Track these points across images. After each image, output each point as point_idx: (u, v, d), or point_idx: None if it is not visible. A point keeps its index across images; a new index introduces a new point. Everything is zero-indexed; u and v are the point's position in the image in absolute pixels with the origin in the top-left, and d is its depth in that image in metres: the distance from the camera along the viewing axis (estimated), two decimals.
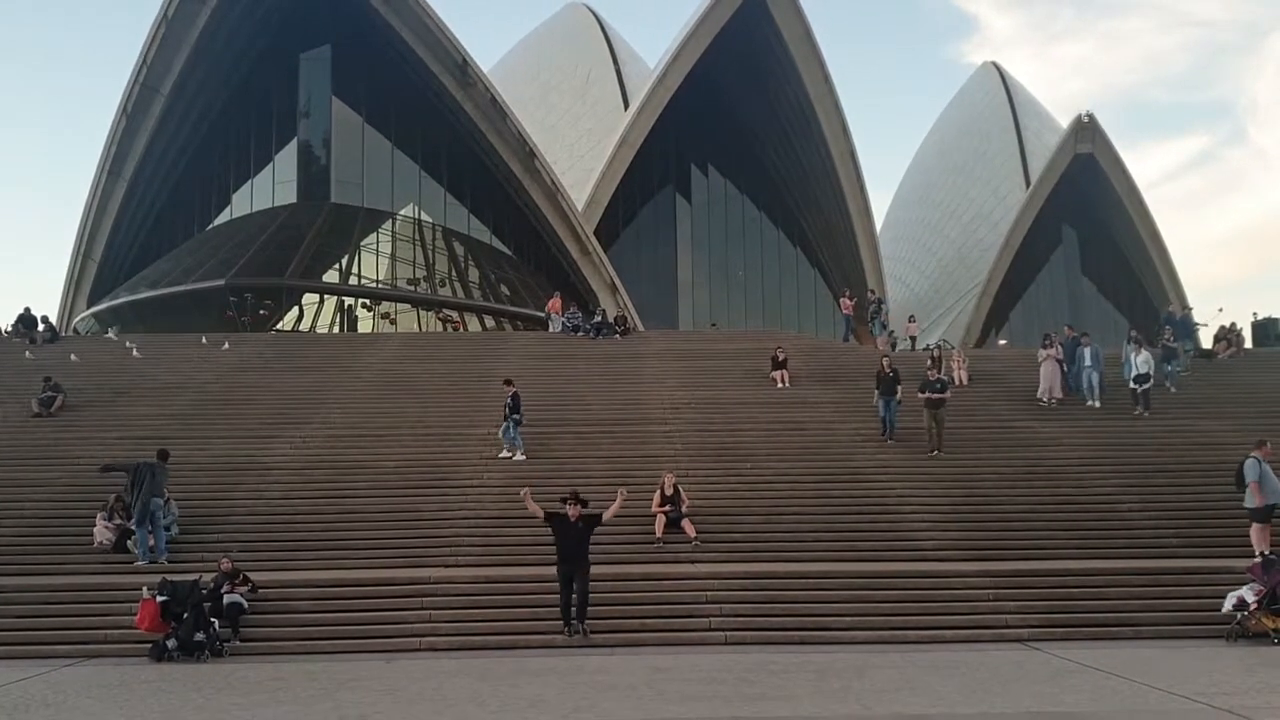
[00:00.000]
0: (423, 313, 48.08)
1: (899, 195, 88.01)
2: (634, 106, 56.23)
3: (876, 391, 21.22)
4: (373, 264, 49.55)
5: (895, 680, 10.37)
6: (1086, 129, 58.91)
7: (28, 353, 28.93)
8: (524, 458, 19.80)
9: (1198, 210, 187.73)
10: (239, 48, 48.11)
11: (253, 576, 13.76)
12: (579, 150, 62.28)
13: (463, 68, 47.02)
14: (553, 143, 59.32)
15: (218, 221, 52.26)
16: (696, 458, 19.92)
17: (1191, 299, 50.76)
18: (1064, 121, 66.36)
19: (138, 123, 46.71)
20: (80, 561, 16.02)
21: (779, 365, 25.18)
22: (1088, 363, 23.00)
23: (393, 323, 46.39)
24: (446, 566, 15.38)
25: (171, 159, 49.77)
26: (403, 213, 51.71)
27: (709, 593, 13.93)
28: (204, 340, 30.27)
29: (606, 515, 13.36)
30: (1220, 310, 33.64)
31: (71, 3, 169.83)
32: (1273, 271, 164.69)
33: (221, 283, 43.52)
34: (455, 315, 47.95)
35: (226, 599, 13.11)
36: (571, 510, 12.99)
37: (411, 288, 49.21)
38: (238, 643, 12.85)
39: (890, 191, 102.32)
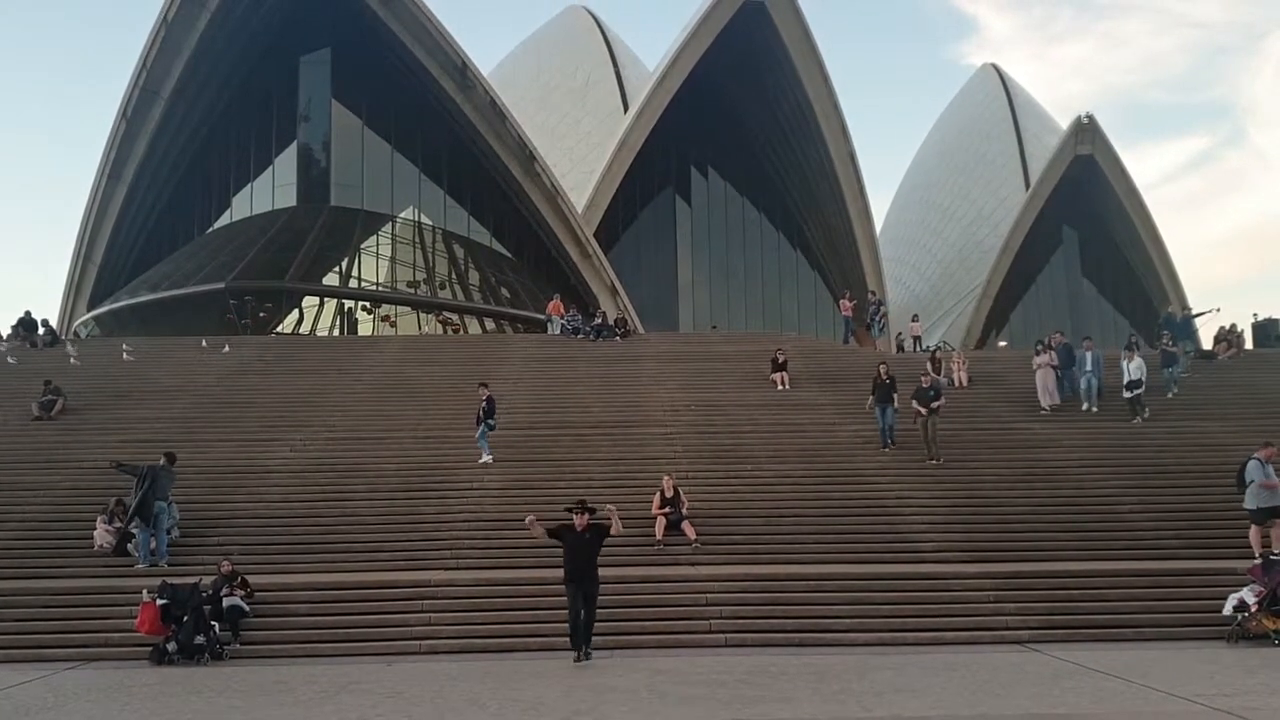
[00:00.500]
0: (423, 315, 48.09)
1: (899, 197, 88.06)
2: (634, 109, 56.28)
3: (871, 398, 20.94)
4: (372, 267, 49.57)
5: (895, 682, 10.37)
6: (1086, 130, 58.95)
7: (10, 358, 28.76)
8: (490, 460, 19.62)
9: (1197, 211, 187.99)
10: (239, 51, 48.14)
11: (253, 579, 13.76)
12: (579, 153, 62.30)
13: (462, 71, 47.06)
14: (552, 145, 59.34)
15: (218, 225, 52.31)
16: (696, 460, 19.92)
17: (1192, 300, 50.70)
18: (1064, 123, 66.46)
19: (138, 126, 46.75)
20: (81, 565, 16.02)
21: (779, 367, 25.18)
22: (1088, 367, 22.90)
23: (393, 325, 46.42)
24: (447, 569, 15.38)
25: (171, 162, 49.82)
26: (402, 215, 51.76)
27: (709, 595, 13.94)
28: (204, 343, 30.29)
29: (614, 530, 12.16)
30: (1218, 310, 33.36)
31: (72, 6, 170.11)
32: (1272, 272, 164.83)
33: (221, 286, 43.54)
34: (455, 318, 47.98)
35: (226, 602, 13.11)
36: (579, 520, 11.90)
37: (411, 290, 49.23)
38: (238, 646, 12.85)
39: (890, 192, 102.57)
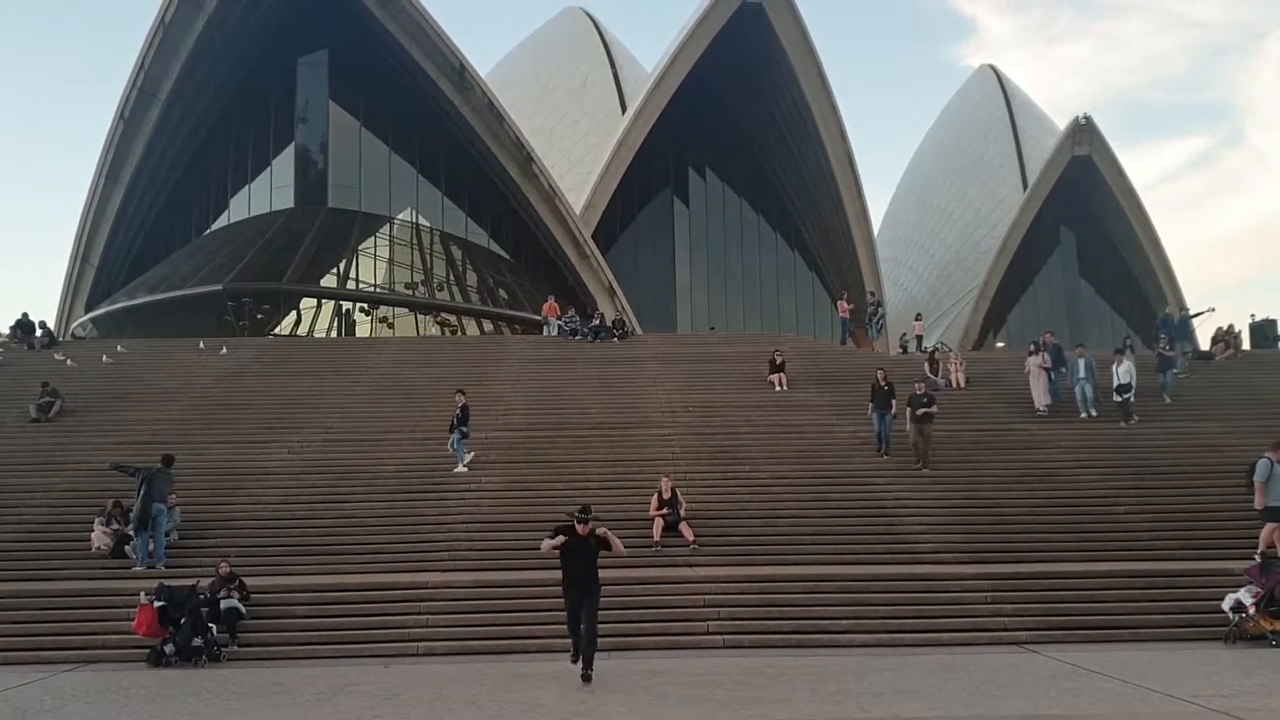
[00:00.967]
0: (420, 317, 48.09)
1: (896, 198, 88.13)
2: (631, 110, 56.30)
3: (870, 404, 20.65)
4: (370, 268, 49.54)
5: (893, 683, 10.38)
6: (1084, 131, 58.99)
7: None
8: (465, 469, 19.45)
9: (1196, 212, 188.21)
10: (236, 52, 48.13)
11: (250, 581, 13.75)
12: (577, 154, 62.32)
13: (459, 72, 47.06)
14: (550, 147, 59.36)
15: (215, 226, 52.26)
16: (694, 461, 19.92)
17: (1190, 301, 50.83)
18: (1061, 124, 66.50)
19: (135, 128, 46.69)
20: (78, 567, 16.00)
21: (777, 368, 25.19)
22: (1081, 374, 22.81)
23: (390, 327, 46.41)
24: (444, 571, 15.39)
25: (169, 164, 49.77)
26: (400, 217, 51.76)
27: (707, 596, 13.95)
28: (202, 345, 30.28)
29: (615, 549, 11.28)
30: (1213, 310, 33.31)
31: (69, 6, 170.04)
32: (1271, 273, 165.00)
33: (219, 287, 43.53)
34: (453, 319, 48.01)
35: (224, 604, 13.10)
36: (582, 528, 11.18)
37: (409, 292, 49.21)
38: (235, 648, 12.85)
39: (888, 193, 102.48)
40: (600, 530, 11.10)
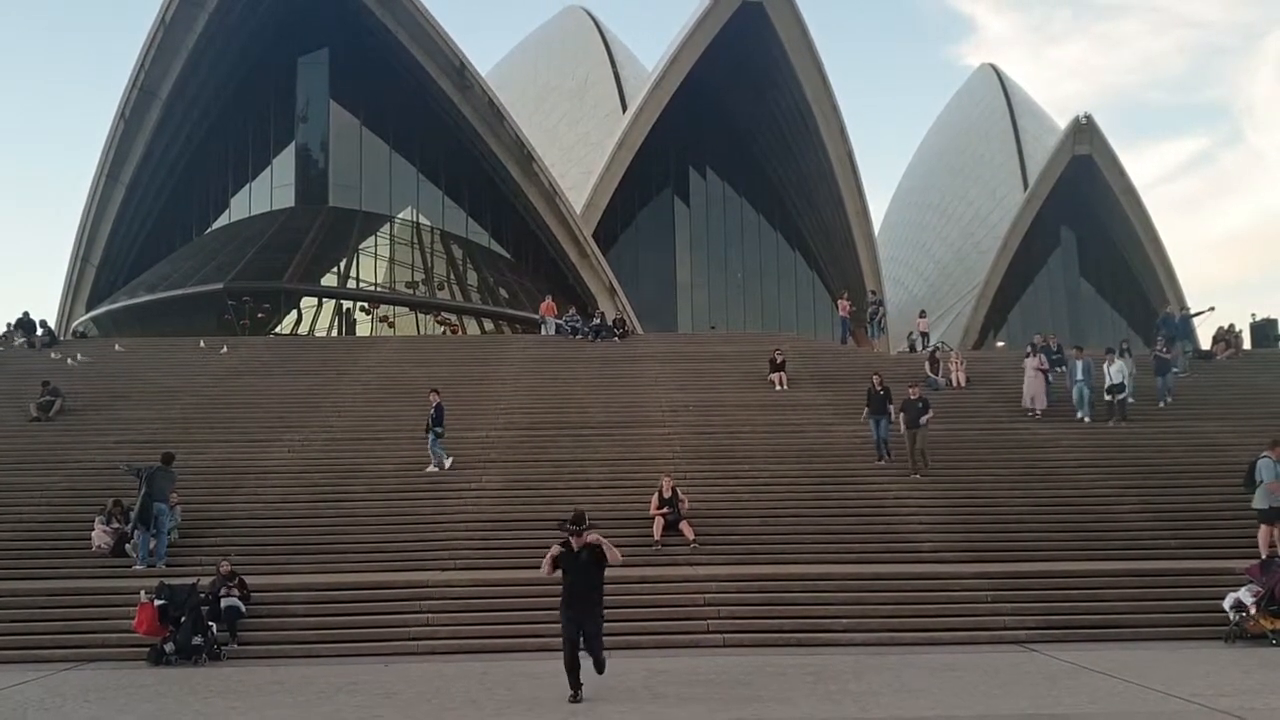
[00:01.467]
0: (421, 316, 48.06)
1: (897, 197, 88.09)
2: (632, 109, 56.27)
3: (866, 409, 20.25)
4: (371, 267, 49.53)
5: (893, 682, 10.39)
6: (1084, 130, 58.92)
7: None
8: (436, 469, 19.33)
9: (1196, 211, 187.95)
10: (236, 51, 48.14)
11: (251, 580, 13.77)
12: (577, 153, 62.31)
13: (460, 71, 47.05)
14: (551, 146, 59.33)
15: (216, 225, 52.28)
16: (695, 460, 19.92)
17: (1190, 300, 50.67)
18: (1062, 123, 66.45)
19: (136, 127, 46.71)
20: (78, 565, 16.03)
21: (777, 368, 25.18)
22: (1079, 376, 22.71)
23: (391, 326, 46.38)
24: (444, 570, 15.40)
25: (170, 163, 49.79)
26: (401, 216, 51.75)
27: (707, 595, 13.95)
28: (202, 344, 30.27)
29: (611, 559, 10.25)
30: (1213, 309, 33.32)
31: (69, 6, 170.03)
32: (1271, 273, 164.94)
33: (220, 286, 43.53)
34: (453, 318, 47.95)
35: (224, 603, 13.12)
36: (576, 540, 10.20)
37: (410, 291, 49.19)
38: (235, 646, 12.87)
39: (888, 192, 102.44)
40: (593, 538, 10.20)
